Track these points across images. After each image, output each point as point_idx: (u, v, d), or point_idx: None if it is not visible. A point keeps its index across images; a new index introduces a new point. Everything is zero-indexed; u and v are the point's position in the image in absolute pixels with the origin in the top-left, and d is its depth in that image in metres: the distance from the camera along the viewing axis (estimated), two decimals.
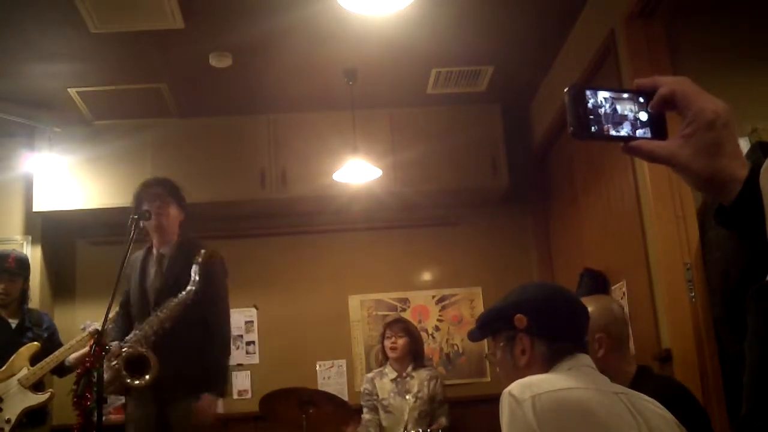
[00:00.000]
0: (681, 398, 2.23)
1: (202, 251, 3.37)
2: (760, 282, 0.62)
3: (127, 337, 3.31)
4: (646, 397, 1.63)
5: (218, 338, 3.48)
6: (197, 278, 3.29)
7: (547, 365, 1.66)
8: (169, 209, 3.48)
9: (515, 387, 1.52)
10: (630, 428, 1.49)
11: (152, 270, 3.47)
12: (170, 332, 3.28)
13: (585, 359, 1.68)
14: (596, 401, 1.52)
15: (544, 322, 1.71)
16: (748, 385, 0.59)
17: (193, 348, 3.40)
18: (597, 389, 1.56)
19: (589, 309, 2.43)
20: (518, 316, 1.71)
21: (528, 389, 1.50)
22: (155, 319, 3.28)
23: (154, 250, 3.50)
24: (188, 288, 3.29)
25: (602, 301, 2.50)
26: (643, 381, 2.36)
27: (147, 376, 3.20)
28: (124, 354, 3.21)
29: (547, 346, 1.69)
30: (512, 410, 1.49)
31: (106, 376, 3.18)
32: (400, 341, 4.32)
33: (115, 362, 3.22)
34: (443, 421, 4.24)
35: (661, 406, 1.62)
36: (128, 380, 3.19)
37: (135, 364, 3.22)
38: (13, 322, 4.15)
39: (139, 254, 3.57)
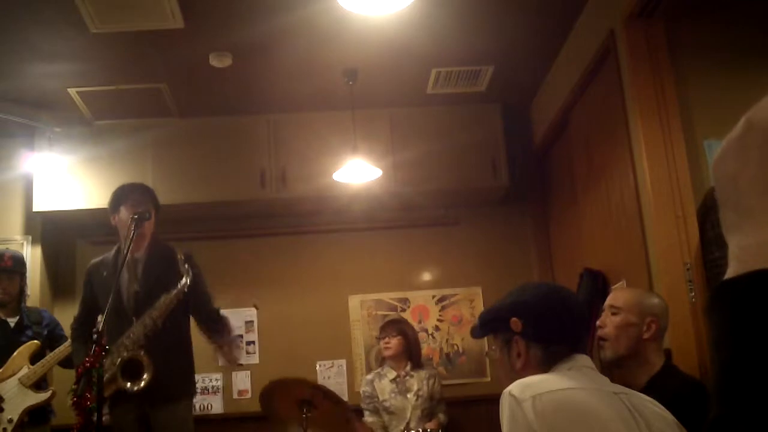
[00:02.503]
0: (701, 400, 2.23)
1: (180, 250, 3.42)
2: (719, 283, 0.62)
3: (112, 347, 3.30)
4: (646, 397, 1.64)
5: (209, 308, 3.54)
6: (190, 272, 3.34)
7: (543, 368, 1.66)
8: (152, 216, 3.47)
9: (516, 387, 1.52)
10: (630, 428, 1.49)
11: (125, 275, 3.46)
12: (156, 335, 3.29)
13: (584, 360, 1.68)
14: (596, 401, 1.52)
15: (539, 326, 1.71)
16: (718, 386, 0.59)
17: (177, 351, 3.40)
18: (597, 389, 1.56)
19: (646, 296, 2.51)
20: (513, 319, 1.71)
21: (528, 389, 1.51)
22: (147, 320, 3.29)
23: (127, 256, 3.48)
24: (182, 281, 3.33)
25: (657, 295, 2.67)
26: (668, 376, 2.39)
27: (144, 380, 3.20)
28: (120, 359, 3.21)
29: (543, 350, 1.69)
30: (512, 410, 1.49)
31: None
32: (393, 340, 4.34)
33: (106, 375, 3.22)
34: (441, 417, 4.26)
35: (661, 406, 1.62)
36: (125, 384, 3.19)
37: (130, 368, 3.22)
38: (12, 321, 4.15)
39: (107, 257, 3.53)
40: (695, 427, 1.65)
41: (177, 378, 3.38)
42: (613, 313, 2.50)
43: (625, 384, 2.11)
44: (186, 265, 3.36)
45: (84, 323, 3.51)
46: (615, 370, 2.56)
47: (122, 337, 3.29)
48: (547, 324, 1.71)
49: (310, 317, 5.29)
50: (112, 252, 3.53)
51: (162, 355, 3.27)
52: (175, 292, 3.33)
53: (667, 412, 1.61)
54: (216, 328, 3.50)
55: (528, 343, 1.70)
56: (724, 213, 0.64)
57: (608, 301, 2.58)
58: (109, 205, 3.47)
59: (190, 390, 3.49)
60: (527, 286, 1.83)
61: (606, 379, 1.68)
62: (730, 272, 0.60)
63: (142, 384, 3.20)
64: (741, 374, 0.56)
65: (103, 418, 3.24)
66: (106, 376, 3.20)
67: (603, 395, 1.54)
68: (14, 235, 5.10)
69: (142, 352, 3.23)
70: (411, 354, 4.39)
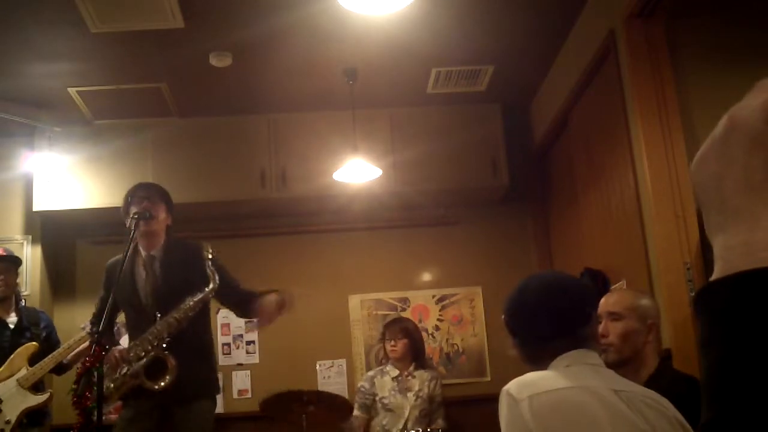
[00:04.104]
0: (696, 395, 2.24)
1: (209, 248, 3.39)
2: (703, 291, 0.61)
3: (135, 341, 3.29)
4: (649, 393, 1.62)
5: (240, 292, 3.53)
6: (215, 276, 3.33)
7: (536, 365, 1.66)
8: (159, 212, 3.46)
9: (513, 386, 1.53)
10: (629, 427, 1.49)
11: (142, 272, 3.45)
12: (181, 336, 3.27)
13: (586, 356, 1.65)
14: (595, 401, 1.51)
15: (522, 325, 1.72)
16: (708, 389, 0.58)
17: (202, 351, 3.39)
18: (596, 388, 1.55)
19: (644, 300, 2.51)
20: (503, 317, 1.74)
21: (526, 388, 1.51)
22: (171, 320, 3.27)
23: (143, 252, 3.48)
24: (210, 286, 3.32)
25: (649, 295, 2.68)
26: (664, 374, 2.40)
27: (165, 380, 3.19)
28: (145, 358, 3.20)
29: (532, 347, 1.70)
30: (510, 410, 1.50)
31: (113, 382, 3.18)
32: (400, 344, 4.33)
33: (126, 369, 3.21)
34: (441, 422, 4.25)
35: (664, 403, 1.60)
36: (148, 384, 3.18)
37: (154, 367, 3.21)
38: (11, 322, 4.14)
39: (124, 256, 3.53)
40: (691, 422, 1.65)
41: (202, 377, 3.37)
42: (614, 320, 2.47)
43: None
44: (212, 268, 3.35)
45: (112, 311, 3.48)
46: (616, 371, 2.57)
47: (146, 333, 3.28)
48: (530, 321, 1.70)
49: (310, 317, 5.28)
50: (131, 250, 3.51)
51: (187, 355, 3.26)
52: (201, 296, 3.32)
53: (671, 408, 1.59)
54: (252, 307, 3.49)
55: (515, 340, 1.73)
56: (708, 215, 0.63)
57: (604, 307, 2.53)
58: (122, 210, 3.46)
59: (213, 390, 3.48)
60: (519, 285, 1.78)
61: (609, 375, 1.65)
62: (716, 273, 0.60)
63: (162, 384, 3.18)
64: (730, 376, 0.56)
65: (110, 417, 3.23)
66: (130, 369, 3.20)
67: (602, 394, 1.53)
68: (14, 234, 5.10)
69: (167, 353, 3.22)
70: (416, 355, 4.39)
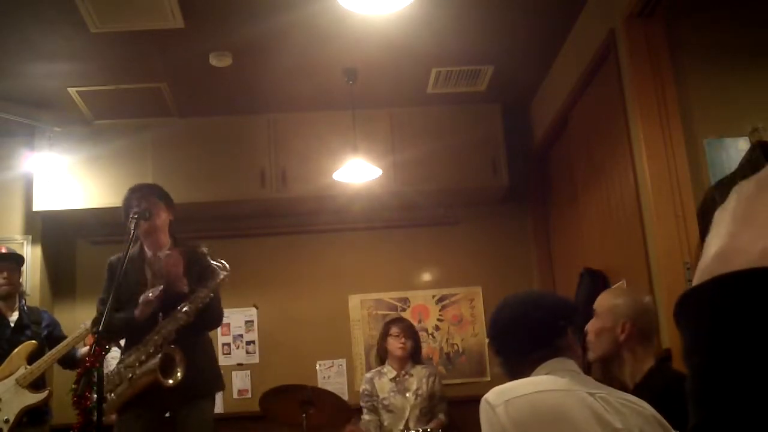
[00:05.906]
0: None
1: (203, 247, 3.39)
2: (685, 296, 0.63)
3: (147, 337, 3.29)
4: (625, 395, 1.66)
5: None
6: (222, 264, 3.34)
7: (521, 378, 1.71)
8: (159, 211, 3.45)
9: (491, 393, 1.60)
10: (604, 426, 1.51)
11: (149, 272, 3.44)
12: (182, 336, 3.26)
13: (564, 363, 1.71)
14: (570, 402, 1.55)
15: (503, 342, 1.81)
16: (694, 395, 0.59)
17: (202, 348, 3.39)
18: (570, 391, 1.59)
19: (621, 299, 2.51)
20: (487, 340, 1.83)
21: (502, 394, 1.57)
22: (180, 314, 3.26)
23: (149, 253, 3.47)
24: (222, 274, 3.32)
25: (636, 294, 2.63)
26: (659, 374, 2.39)
27: (178, 372, 3.18)
28: (159, 357, 3.19)
29: (514, 362, 1.77)
30: (488, 416, 1.55)
31: (114, 388, 3.18)
32: (408, 342, 4.36)
33: (130, 375, 3.20)
34: (442, 417, 4.27)
35: (641, 404, 1.63)
36: (162, 380, 3.17)
37: (163, 365, 3.20)
38: (12, 320, 4.14)
39: (133, 254, 3.43)
40: (686, 422, 1.65)
41: (205, 375, 3.36)
42: (595, 318, 2.52)
43: (617, 384, 2.13)
44: (218, 260, 3.36)
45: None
46: (601, 370, 2.58)
47: (151, 333, 3.27)
48: (507, 338, 1.80)
49: (310, 317, 5.29)
50: (137, 249, 3.50)
51: (189, 353, 3.25)
52: (212, 284, 3.31)
53: (648, 408, 1.62)
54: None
55: (500, 359, 1.82)
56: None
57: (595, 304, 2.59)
58: (123, 215, 3.45)
59: (214, 388, 3.47)
60: (500, 303, 1.87)
61: (587, 380, 1.71)
62: (694, 281, 0.62)
63: (179, 377, 3.17)
64: (713, 381, 0.56)
65: (110, 417, 3.22)
66: (141, 370, 3.19)
67: (576, 396, 1.57)
68: (14, 234, 5.10)
69: (174, 347, 3.21)
70: (414, 354, 4.41)
